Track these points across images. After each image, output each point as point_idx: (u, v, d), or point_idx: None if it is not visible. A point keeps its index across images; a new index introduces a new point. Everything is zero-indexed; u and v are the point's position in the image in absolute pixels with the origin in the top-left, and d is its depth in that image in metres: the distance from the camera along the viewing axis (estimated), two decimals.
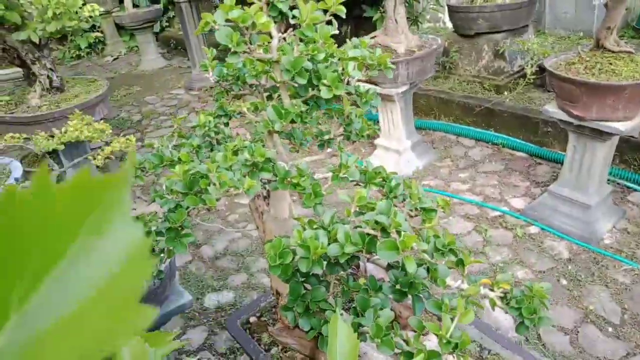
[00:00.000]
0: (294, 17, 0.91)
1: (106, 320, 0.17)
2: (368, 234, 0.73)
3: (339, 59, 0.93)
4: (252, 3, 0.92)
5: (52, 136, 1.69)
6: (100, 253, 0.18)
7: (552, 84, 2.58)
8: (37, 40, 2.90)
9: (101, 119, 3.40)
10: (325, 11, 0.94)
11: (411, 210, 0.91)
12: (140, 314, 0.17)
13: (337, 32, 1.05)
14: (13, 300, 0.17)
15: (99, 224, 0.18)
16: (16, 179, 2.17)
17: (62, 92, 3.31)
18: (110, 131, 1.61)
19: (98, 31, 7.68)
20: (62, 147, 1.52)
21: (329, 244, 0.73)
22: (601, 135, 2.54)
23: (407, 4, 4.01)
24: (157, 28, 7.59)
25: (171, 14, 7.80)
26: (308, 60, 0.88)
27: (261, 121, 0.92)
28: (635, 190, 3.06)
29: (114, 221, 0.18)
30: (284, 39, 0.96)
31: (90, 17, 2.88)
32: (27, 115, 3.08)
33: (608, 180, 2.90)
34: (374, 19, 4.62)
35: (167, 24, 8.02)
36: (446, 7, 5.64)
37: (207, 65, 1.07)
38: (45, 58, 3.19)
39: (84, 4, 2.82)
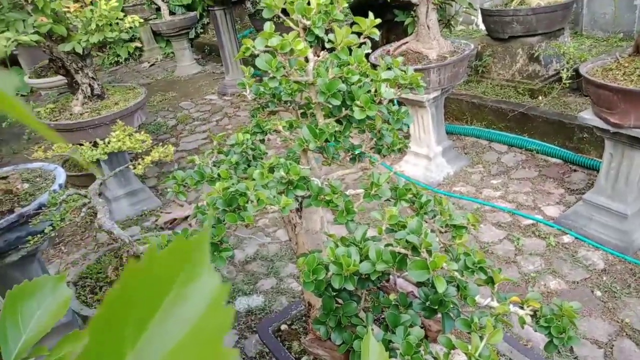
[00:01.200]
0: (329, 41, 0.95)
1: (198, 355, 0.21)
2: (399, 253, 0.76)
3: (371, 80, 0.96)
4: (288, 27, 0.97)
5: (96, 145, 1.78)
6: (189, 301, 0.22)
7: (589, 91, 2.53)
8: (80, 51, 3.04)
9: (139, 126, 3.53)
10: (359, 34, 0.97)
11: (441, 227, 0.93)
12: (224, 355, 0.21)
13: (369, 51, 1.08)
14: (127, 340, 0.21)
15: (187, 277, 0.22)
16: (60, 185, 2.29)
17: (102, 100, 3.45)
18: (150, 141, 1.69)
19: (136, 39, 7.94)
20: (106, 157, 1.61)
21: (361, 261, 0.77)
22: (639, 143, 2.47)
23: (440, 8, 3.99)
24: (192, 34, 7.78)
25: (205, 20, 7.98)
26: (342, 82, 0.92)
27: (296, 140, 0.96)
28: None
29: (199, 274, 0.23)
30: (320, 61, 1.00)
31: (131, 27, 3.00)
32: (69, 123, 3.23)
33: None
34: (405, 23, 4.61)
35: (201, 30, 8.21)
36: (479, 11, 5.57)
37: (244, 84, 1.12)
38: (88, 67, 3.33)
39: (124, 16, 2.94)
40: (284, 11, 0.99)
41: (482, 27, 6.62)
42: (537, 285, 2.50)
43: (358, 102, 0.90)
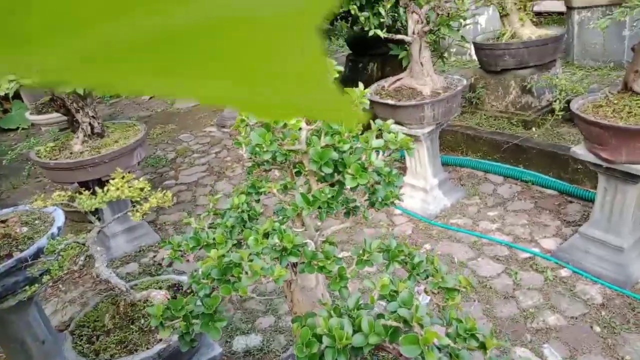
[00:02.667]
0: None
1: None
2: (391, 326, 0.78)
3: (363, 149, 1.00)
4: None
5: (95, 194, 1.80)
6: None
7: (580, 127, 2.58)
8: (81, 92, 3.09)
9: (139, 162, 3.57)
10: None
11: (434, 289, 0.95)
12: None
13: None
14: None
15: None
16: (59, 228, 2.30)
17: (102, 138, 3.50)
18: (149, 189, 1.71)
19: None
20: (105, 205, 1.63)
21: (353, 332, 0.78)
22: (632, 177, 2.51)
23: (434, 42, 4.08)
24: None
25: None
26: (334, 150, 0.95)
27: (290, 204, 0.99)
28: None
29: None
30: (312, 130, 1.03)
31: None
32: (69, 162, 3.27)
33: None
34: (399, 56, 4.70)
35: None
36: (472, 44, 5.69)
37: (240, 143, 1.15)
38: (88, 107, 3.39)
39: None
40: None
41: (475, 57, 6.76)
42: (535, 321, 2.49)
43: (349, 170, 0.93)
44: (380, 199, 1.15)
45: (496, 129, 4.26)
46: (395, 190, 1.09)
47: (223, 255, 0.88)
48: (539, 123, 4.25)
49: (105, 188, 1.69)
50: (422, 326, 0.74)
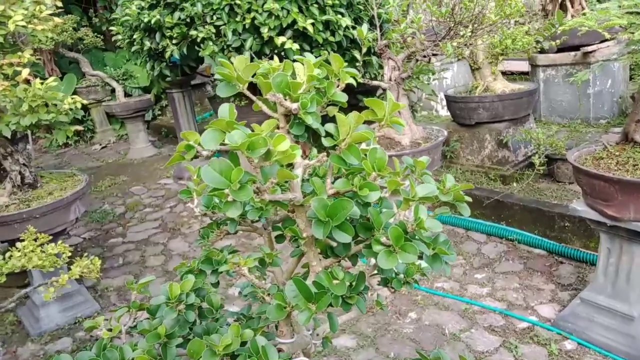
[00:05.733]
0: (327, 134, 0.63)
1: None
2: None
3: (400, 202, 0.64)
4: (258, 112, 0.63)
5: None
6: None
7: (580, 181, 2.33)
8: (9, 135, 2.64)
9: (77, 218, 3.06)
10: (370, 122, 0.65)
11: None
12: None
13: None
14: None
15: None
16: None
17: (35, 189, 3.00)
18: (69, 253, 1.28)
19: (87, 120, 7.57)
20: (3, 278, 1.17)
21: None
22: None
23: (409, 91, 3.91)
24: (148, 116, 7.51)
25: (164, 102, 7.77)
26: (353, 202, 0.58)
27: (273, 297, 0.60)
28: None
29: None
30: (312, 166, 0.66)
31: (71, 109, 2.65)
32: None
33: None
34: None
35: (159, 112, 7.97)
36: (442, 97, 5.61)
37: (190, 191, 0.76)
38: (19, 153, 2.91)
39: (64, 96, 2.60)
40: (253, 87, 0.67)
41: (442, 113, 6.72)
42: None
43: (384, 239, 0.57)
44: (400, 275, 0.78)
45: (474, 184, 4.04)
46: (446, 268, 0.73)
47: None
48: (517, 178, 4.07)
49: (8, 254, 1.25)
50: None
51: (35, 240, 1.27)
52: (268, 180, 0.60)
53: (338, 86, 0.66)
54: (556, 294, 2.87)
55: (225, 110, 0.57)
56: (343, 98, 0.64)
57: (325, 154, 0.67)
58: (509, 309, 2.77)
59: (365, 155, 0.65)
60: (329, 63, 0.68)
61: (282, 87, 0.62)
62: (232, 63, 0.68)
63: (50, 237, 1.38)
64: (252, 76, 0.64)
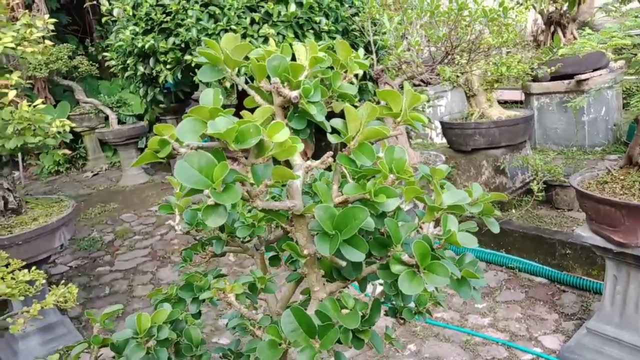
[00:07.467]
0: (333, 130, 0.54)
1: None
2: None
3: (422, 210, 0.56)
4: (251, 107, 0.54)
5: None
6: None
7: (585, 206, 2.26)
8: None
9: (62, 245, 2.94)
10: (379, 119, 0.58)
11: None
12: None
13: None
14: None
15: None
16: None
17: (19, 215, 2.89)
18: (44, 281, 1.17)
19: (79, 147, 7.49)
20: None
21: None
22: None
23: None
24: (142, 143, 7.44)
25: None
26: (367, 211, 0.48)
27: (266, 331, 0.50)
28: None
29: None
30: (313, 169, 0.57)
31: (59, 133, 2.57)
32: None
33: None
34: None
35: None
36: (437, 124, 5.60)
37: (171, 207, 0.66)
38: (4, 177, 2.81)
39: (52, 119, 2.53)
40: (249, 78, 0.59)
41: (436, 140, 6.71)
42: None
43: (405, 257, 0.47)
44: (411, 304, 0.68)
45: None
46: (475, 294, 0.64)
47: None
48: (515, 205, 4.01)
49: None
50: None
51: (6, 266, 1.17)
52: (261, 182, 0.50)
53: (345, 78, 0.58)
54: (560, 323, 2.76)
55: (209, 96, 0.47)
56: (352, 91, 0.55)
57: (330, 153, 0.58)
58: (512, 340, 2.65)
59: (383, 154, 0.55)
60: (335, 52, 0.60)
61: (280, 72, 0.52)
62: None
63: (23, 264, 1.28)
64: (244, 57, 0.55)
